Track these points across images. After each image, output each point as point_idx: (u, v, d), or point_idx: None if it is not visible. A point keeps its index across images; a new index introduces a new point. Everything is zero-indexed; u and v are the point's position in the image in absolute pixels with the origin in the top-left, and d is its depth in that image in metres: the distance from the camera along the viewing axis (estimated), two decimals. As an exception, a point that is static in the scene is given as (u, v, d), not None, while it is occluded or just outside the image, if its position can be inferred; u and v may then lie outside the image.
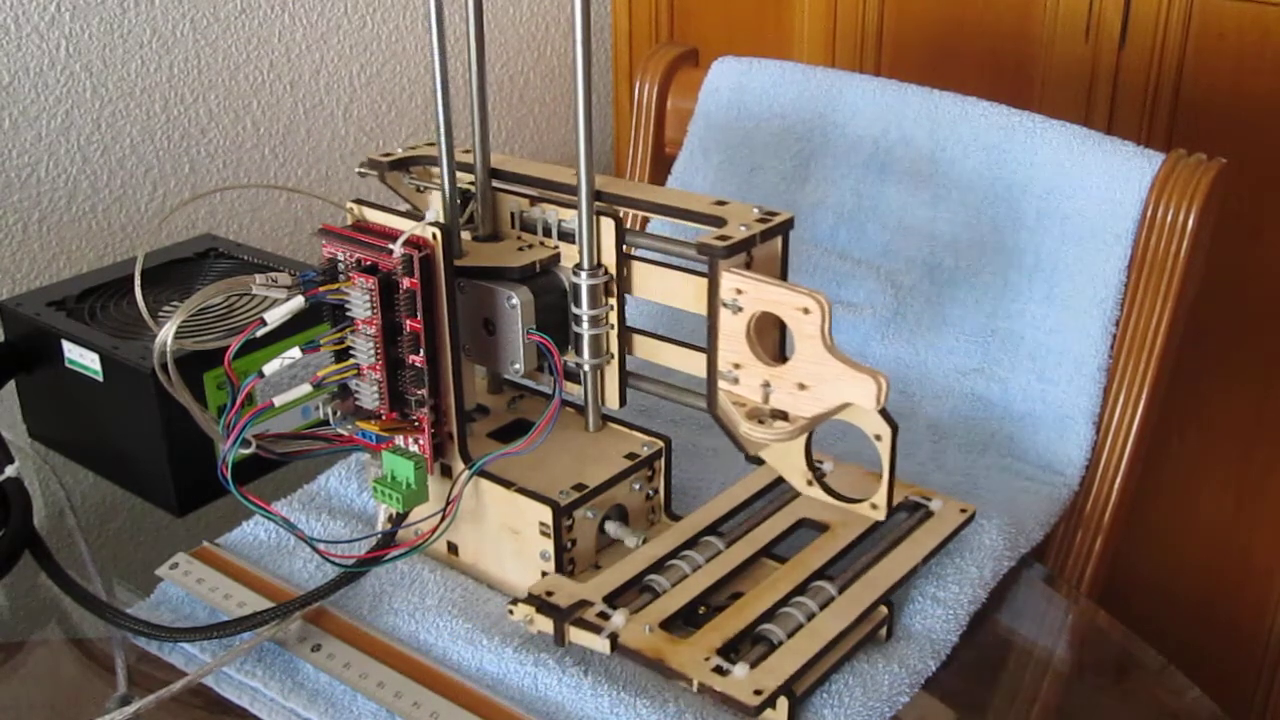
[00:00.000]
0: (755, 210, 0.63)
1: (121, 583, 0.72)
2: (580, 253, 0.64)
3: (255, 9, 1.16)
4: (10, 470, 0.73)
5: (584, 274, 0.64)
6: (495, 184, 0.69)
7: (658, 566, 0.64)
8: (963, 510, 0.69)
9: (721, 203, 0.64)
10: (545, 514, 0.63)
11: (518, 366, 0.65)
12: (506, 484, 0.65)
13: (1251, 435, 1.12)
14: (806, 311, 0.57)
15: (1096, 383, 0.83)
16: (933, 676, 0.62)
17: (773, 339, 0.62)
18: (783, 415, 0.61)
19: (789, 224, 0.63)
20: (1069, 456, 0.82)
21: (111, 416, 0.77)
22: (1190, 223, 0.80)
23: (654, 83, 1.06)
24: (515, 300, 0.63)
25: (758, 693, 0.55)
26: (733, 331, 0.61)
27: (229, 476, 0.59)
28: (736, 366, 0.61)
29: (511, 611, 0.60)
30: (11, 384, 0.84)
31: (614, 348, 0.66)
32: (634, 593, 0.63)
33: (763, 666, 0.57)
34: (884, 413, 0.60)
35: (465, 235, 0.68)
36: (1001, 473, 0.81)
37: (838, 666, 0.61)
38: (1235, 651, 1.19)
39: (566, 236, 0.66)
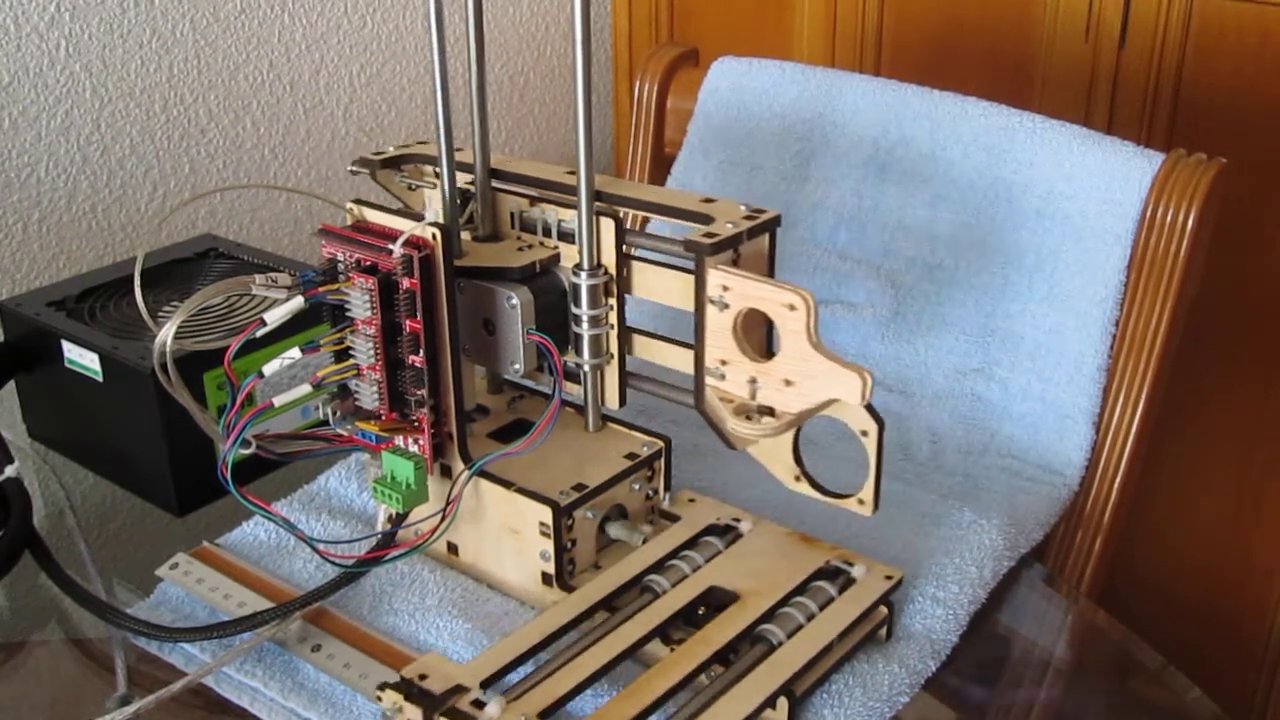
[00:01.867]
0: (743, 208, 0.63)
1: (121, 583, 0.72)
2: (580, 253, 0.64)
3: (255, 9, 1.16)
4: (10, 470, 0.73)
5: (584, 274, 0.64)
6: (495, 184, 0.69)
7: (657, 567, 0.64)
8: (888, 576, 0.64)
9: (709, 200, 0.65)
10: (545, 514, 0.63)
11: (518, 366, 0.65)
12: (506, 484, 0.65)
13: (1251, 435, 1.12)
14: (792, 308, 0.58)
15: (1096, 383, 0.83)
16: (933, 676, 0.62)
17: (759, 335, 0.62)
18: (769, 411, 0.61)
19: (776, 221, 0.63)
20: (1069, 456, 0.82)
21: (111, 416, 0.77)
22: (1190, 223, 0.80)
23: (654, 83, 1.06)
24: (515, 300, 0.63)
25: None
26: (720, 328, 0.61)
27: (229, 476, 0.59)
28: (724, 363, 0.62)
29: (380, 698, 0.55)
30: (11, 384, 0.84)
31: (614, 348, 0.66)
32: (588, 625, 0.60)
33: None
34: (870, 409, 0.60)
35: (465, 235, 0.68)
36: (1001, 473, 0.81)
37: (838, 666, 0.61)
38: (1235, 651, 1.19)
39: (566, 236, 0.66)
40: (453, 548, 0.69)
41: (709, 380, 0.63)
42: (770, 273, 0.64)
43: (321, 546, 0.64)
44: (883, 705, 0.59)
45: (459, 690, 0.55)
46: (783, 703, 0.57)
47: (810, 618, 0.60)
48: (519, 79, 1.41)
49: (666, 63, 1.05)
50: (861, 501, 0.63)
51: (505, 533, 0.65)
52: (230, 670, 0.62)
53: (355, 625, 0.64)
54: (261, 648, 0.63)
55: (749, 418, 0.61)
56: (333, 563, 0.65)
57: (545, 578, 0.64)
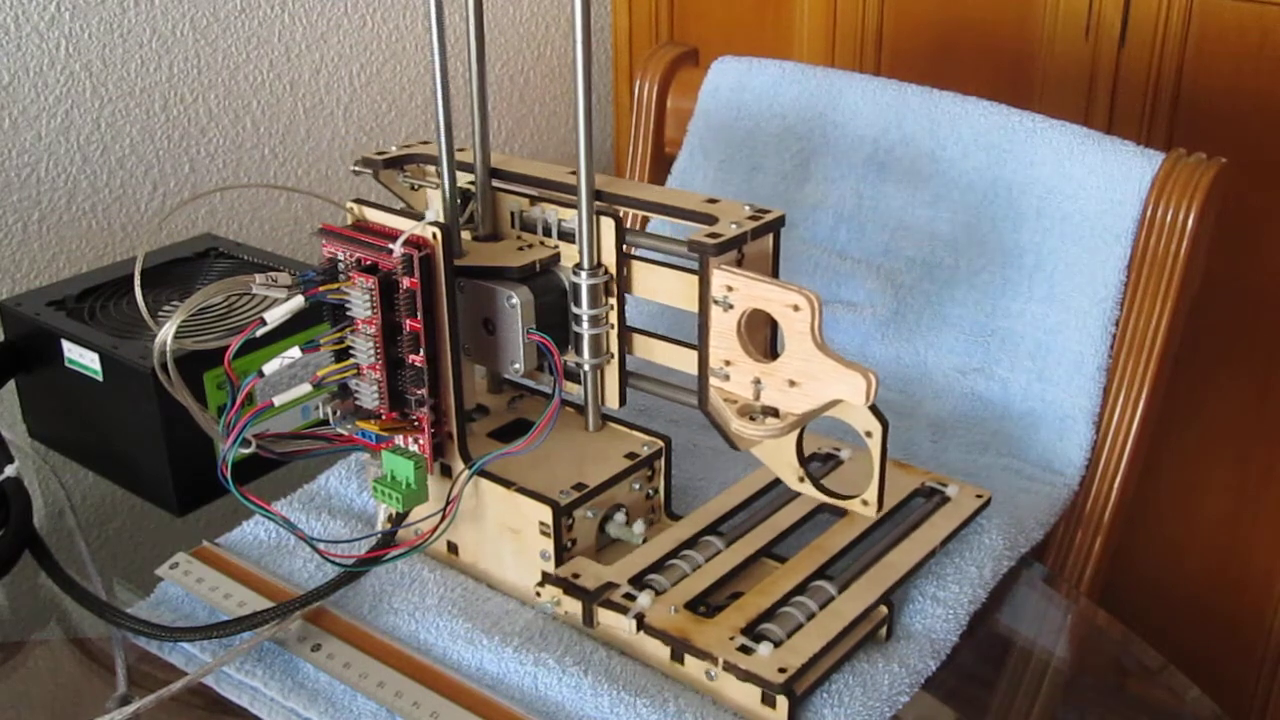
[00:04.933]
0: (747, 208, 0.63)
1: (121, 583, 0.72)
2: (580, 253, 0.64)
3: (255, 9, 1.16)
4: (10, 470, 0.73)
5: (584, 274, 0.64)
6: (495, 184, 0.69)
7: (658, 566, 0.64)
8: (978, 495, 0.71)
9: (713, 200, 0.65)
10: (545, 514, 0.63)
11: (518, 366, 0.65)
12: (506, 484, 0.65)
13: (1251, 435, 1.12)
14: (796, 309, 0.58)
15: (1096, 382, 0.83)
16: (933, 676, 0.62)
17: (763, 336, 0.62)
18: (773, 412, 0.61)
19: (780, 221, 0.63)
20: (1069, 456, 0.82)
21: (111, 416, 0.77)
22: (1190, 222, 0.80)
23: (654, 83, 1.06)
24: (515, 300, 0.63)
25: (782, 670, 0.57)
26: (724, 328, 0.61)
27: (229, 476, 0.59)
28: (728, 363, 0.62)
29: (539, 593, 0.62)
30: (11, 384, 0.84)
31: (614, 347, 0.66)
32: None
33: (787, 645, 0.58)
34: (874, 409, 0.60)
35: (465, 235, 0.68)
36: (1001, 472, 0.81)
37: (838, 666, 0.61)
38: (1235, 651, 1.19)
39: (566, 236, 0.66)
40: (453, 547, 0.69)
41: (713, 381, 0.63)
42: (774, 273, 0.64)
43: (321, 546, 0.64)
44: (883, 705, 0.59)
45: (611, 586, 0.62)
46: (782, 702, 0.57)
47: (810, 617, 0.60)
48: (519, 79, 1.41)
49: (666, 63, 1.05)
50: (865, 503, 0.64)
51: (505, 532, 0.65)
52: (230, 670, 0.62)
53: (355, 625, 0.64)
54: (261, 647, 0.63)
55: (753, 418, 0.61)
56: (333, 562, 0.65)
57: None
